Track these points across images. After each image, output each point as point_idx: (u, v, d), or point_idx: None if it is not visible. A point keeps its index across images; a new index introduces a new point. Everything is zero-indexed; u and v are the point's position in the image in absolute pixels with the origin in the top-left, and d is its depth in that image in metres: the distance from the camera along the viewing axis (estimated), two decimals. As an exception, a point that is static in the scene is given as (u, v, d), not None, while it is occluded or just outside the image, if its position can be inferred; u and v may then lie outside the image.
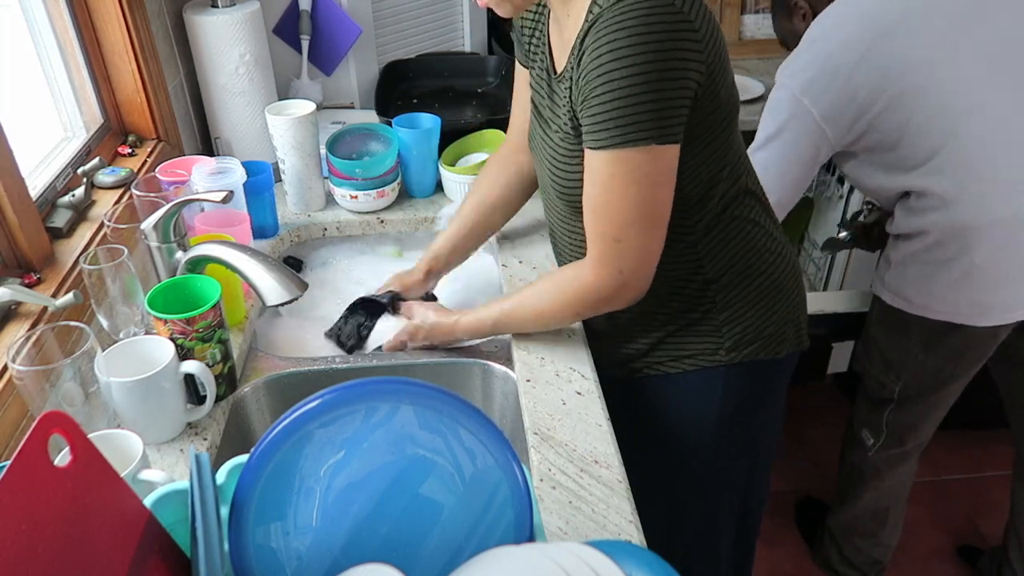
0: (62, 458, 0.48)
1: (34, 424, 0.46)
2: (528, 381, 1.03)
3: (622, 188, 0.89)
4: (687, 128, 0.89)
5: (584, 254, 1.05)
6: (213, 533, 0.52)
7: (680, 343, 1.09)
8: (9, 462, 0.44)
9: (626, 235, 0.92)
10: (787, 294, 1.10)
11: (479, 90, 1.76)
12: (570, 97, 0.92)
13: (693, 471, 1.17)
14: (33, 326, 0.94)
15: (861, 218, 1.79)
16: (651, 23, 0.82)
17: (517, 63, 1.15)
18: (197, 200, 1.04)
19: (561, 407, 0.98)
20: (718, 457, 1.16)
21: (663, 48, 0.82)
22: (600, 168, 0.90)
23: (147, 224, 1.02)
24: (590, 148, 0.90)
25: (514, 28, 1.11)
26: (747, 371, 1.09)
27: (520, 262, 1.30)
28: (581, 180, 0.95)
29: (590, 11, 0.87)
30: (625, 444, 0.95)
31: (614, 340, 1.13)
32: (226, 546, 0.58)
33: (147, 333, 0.97)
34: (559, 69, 0.98)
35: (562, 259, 1.15)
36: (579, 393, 1.01)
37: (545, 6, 1.02)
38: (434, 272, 1.25)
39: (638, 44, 0.81)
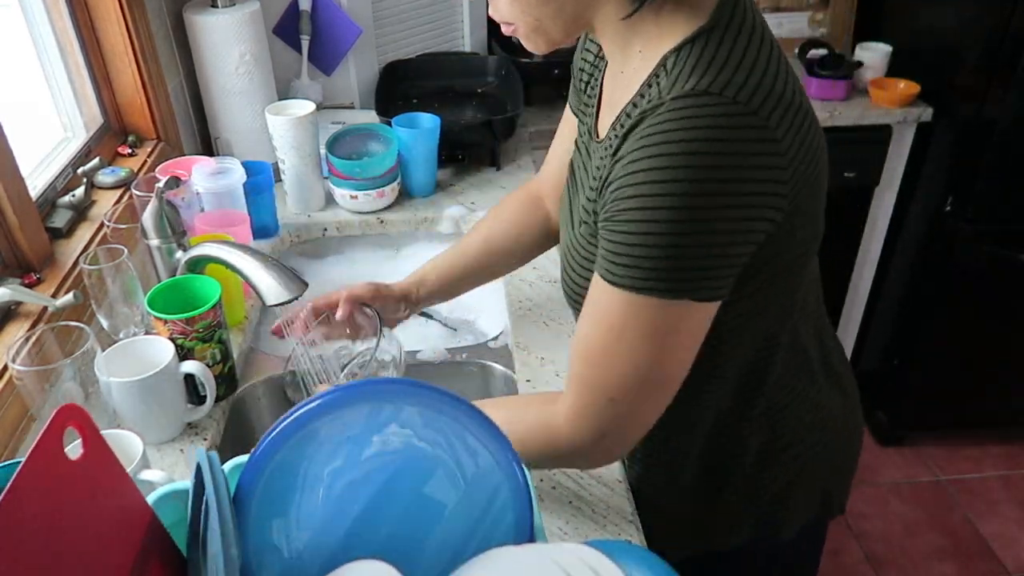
0: (71, 451, 0.49)
1: (51, 416, 0.46)
2: (528, 381, 1.03)
3: (634, 342, 0.67)
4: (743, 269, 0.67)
5: None
6: (229, 532, 0.52)
7: (688, 524, 0.92)
8: (27, 454, 0.45)
9: (624, 396, 0.70)
10: (817, 475, 0.90)
11: (479, 90, 1.76)
12: (599, 188, 0.71)
13: None
14: (33, 326, 0.94)
15: None
16: (719, 136, 0.60)
17: (568, 107, 0.95)
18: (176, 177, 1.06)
19: (561, 407, 0.98)
20: None
21: (729, 176, 0.60)
22: (609, 309, 0.67)
23: (145, 217, 1.02)
24: (602, 277, 0.67)
25: (572, 69, 0.91)
26: (754, 555, 0.94)
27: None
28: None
29: (648, 87, 0.66)
30: None
31: None
32: (233, 550, 0.58)
33: (147, 333, 0.97)
34: (601, 134, 0.78)
35: None
36: (579, 393, 1.01)
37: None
38: (412, 299, 1.04)
39: (696, 167, 0.59)
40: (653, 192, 0.61)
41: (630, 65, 0.70)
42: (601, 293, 0.68)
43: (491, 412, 0.74)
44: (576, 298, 0.80)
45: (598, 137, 0.79)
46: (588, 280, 0.75)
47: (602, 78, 0.82)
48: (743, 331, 0.75)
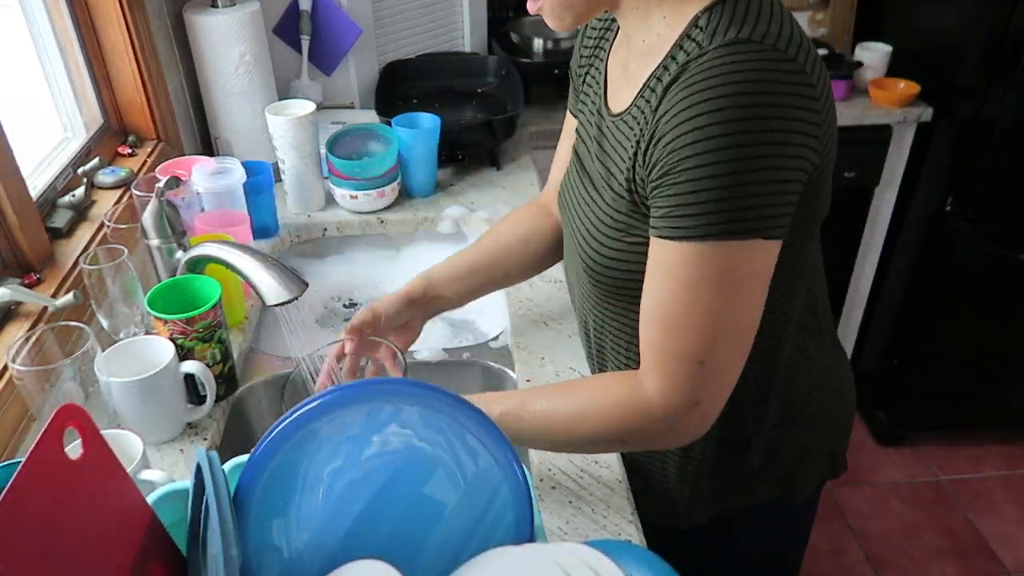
0: (72, 451, 0.49)
1: (51, 416, 0.46)
2: (528, 381, 1.03)
3: (712, 294, 0.67)
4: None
5: (623, 349, 0.86)
6: (229, 532, 0.52)
7: (707, 489, 0.94)
8: (27, 454, 0.45)
9: (712, 355, 0.69)
10: (825, 435, 0.94)
11: (479, 90, 1.76)
12: (635, 153, 0.72)
13: None
14: (33, 326, 0.94)
15: None
16: (767, 78, 0.63)
17: (568, 111, 0.98)
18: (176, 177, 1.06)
19: (561, 407, 0.98)
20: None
21: (779, 115, 0.63)
22: (680, 266, 0.68)
23: (145, 217, 1.02)
24: (666, 237, 0.68)
25: (570, 71, 0.94)
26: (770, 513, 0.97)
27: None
28: (623, 260, 0.77)
29: (680, 47, 0.68)
30: None
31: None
32: (233, 550, 0.58)
33: (147, 333, 0.97)
34: (617, 108, 0.78)
35: (590, 351, 0.98)
36: (579, 393, 1.00)
37: (607, 34, 0.86)
38: (420, 300, 0.98)
39: (750, 106, 0.62)
40: (712, 134, 0.63)
41: (653, 32, 0.72)
42: (669, 255, 0.68)
43: (563, 400, 0.79)
44: (606, 276, 0.80)
45: (612, 112, 0.79)
46: (617, 249, 0.77)
47: (607, 56, 0.84)
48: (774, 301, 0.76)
